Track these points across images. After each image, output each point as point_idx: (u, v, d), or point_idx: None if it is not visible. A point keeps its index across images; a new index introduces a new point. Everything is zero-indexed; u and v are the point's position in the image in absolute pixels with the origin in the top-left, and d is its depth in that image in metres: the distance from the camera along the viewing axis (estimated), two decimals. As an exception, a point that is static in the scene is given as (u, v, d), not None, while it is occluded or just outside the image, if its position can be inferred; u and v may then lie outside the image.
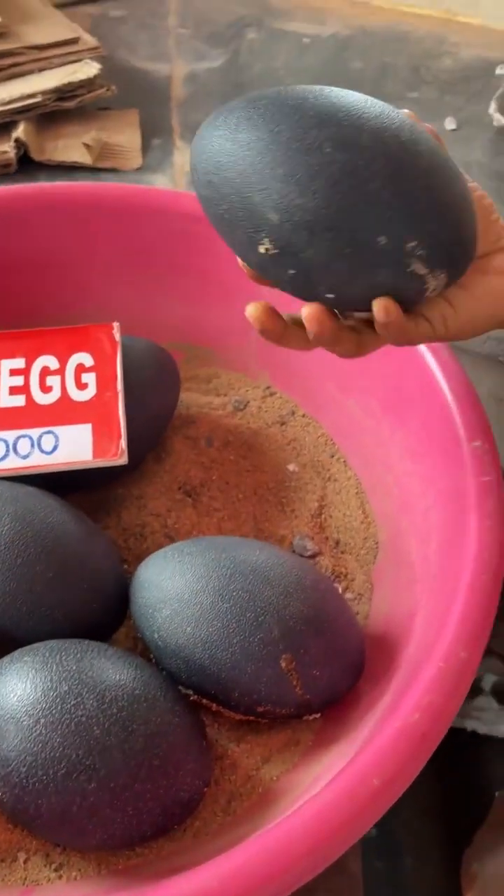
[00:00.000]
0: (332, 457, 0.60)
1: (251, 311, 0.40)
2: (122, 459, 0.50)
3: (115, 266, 0.64)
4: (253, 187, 0.35)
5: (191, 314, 0.65)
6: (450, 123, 0.92)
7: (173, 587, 0.43)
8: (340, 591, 0.53)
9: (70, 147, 0.81)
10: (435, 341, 0.42)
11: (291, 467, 0.60)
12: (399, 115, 0.37)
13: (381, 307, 0.37)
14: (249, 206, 0.36)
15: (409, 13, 1.18)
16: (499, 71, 0.87)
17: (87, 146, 0.79)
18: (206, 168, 0.37)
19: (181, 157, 0.85)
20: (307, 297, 0.38)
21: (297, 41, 1.10)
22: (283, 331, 0.41)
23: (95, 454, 0.50)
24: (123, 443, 0.50)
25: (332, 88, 0.37)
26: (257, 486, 0.59)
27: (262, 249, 0.36)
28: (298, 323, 0.41)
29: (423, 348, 0.52)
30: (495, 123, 0.90)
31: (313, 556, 0.54)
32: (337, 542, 0.55)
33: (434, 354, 0.52)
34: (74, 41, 0.87)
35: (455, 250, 0.37)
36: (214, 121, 0.37)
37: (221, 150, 0.36)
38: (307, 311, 0.38)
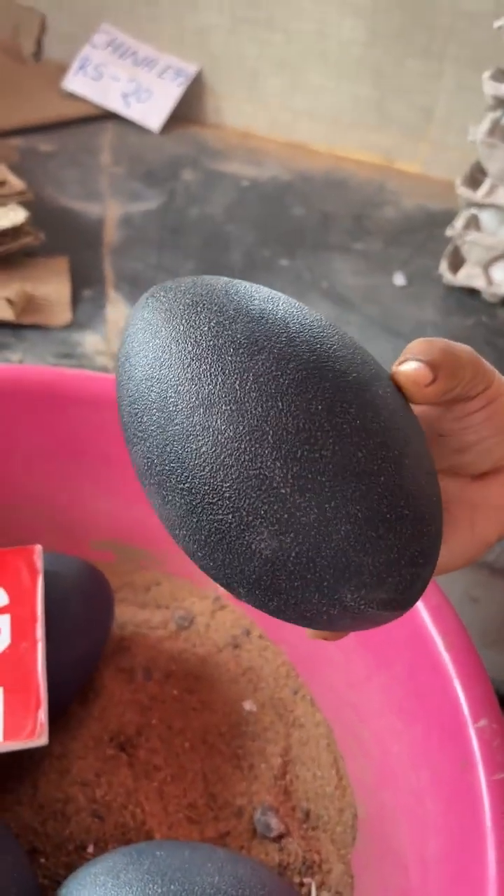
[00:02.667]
0: (296, 693, 0.51)
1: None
2: (41, 740, 0.39)
3: (38, 456, 0.55)
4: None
5: (126, 510, 0.56)
6: (399, 279, 0.88)
7: None
8: (314, 888, 0.42)
9: (-10, 301, 0.72)
10: None
11: (248, 706, 0.50)
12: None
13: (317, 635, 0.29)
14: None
15: (347, 158, 1.17)
16: (449, 232, 0.84)
17: (9, 301, 0.71)
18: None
19: (114, 311, 0.77)
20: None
21: (235, 183, 1.06)
22: None
23: (7, 734, 0.39)
24: (43, 715, 0.40)
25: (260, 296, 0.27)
26: (207, 730, 0.49)
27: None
28: None
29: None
30: (445, 281, 0.86)
31: (279, 839, 0.44)
32: (307, 815, 0.45)
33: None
34: (0, 184, 0.80)
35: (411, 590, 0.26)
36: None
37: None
38: None
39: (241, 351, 0.24)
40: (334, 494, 0.23)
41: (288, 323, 0.25)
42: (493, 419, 0.29)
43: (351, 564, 0.24)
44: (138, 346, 0.26)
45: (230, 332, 0.25)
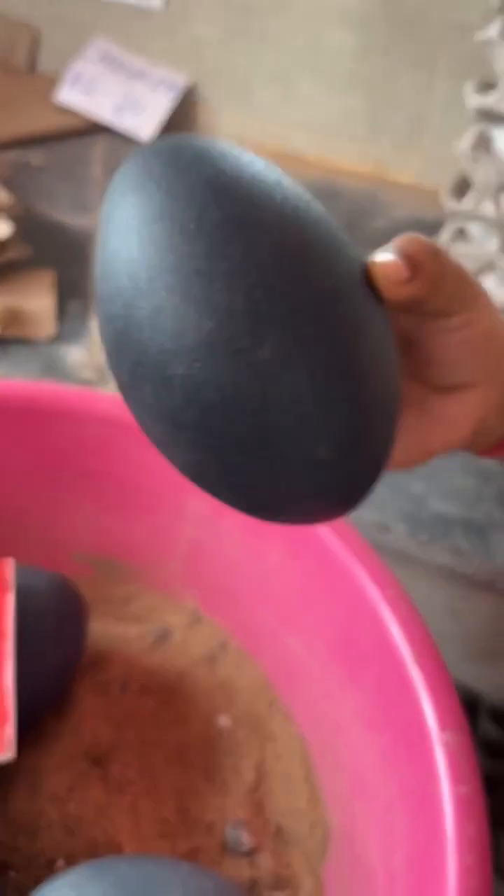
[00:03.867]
0: (271, 706, 0.51)
1: None
2: (9, 754, 0.39)
3: (18, 470, 0.55)
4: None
5: (105, 523, 0.57)
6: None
7: None
8: (284, 903, 0.42)
9: (-25, 314, 0.73)
10: None
11: (222, 720, 0.50)
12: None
13: None
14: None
15: (339, 168, 1.18)
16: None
17: (-6, 314, 0.72)
18: None
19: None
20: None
21: (226, 195, 1.07)
22: None
23: (-27, 749, 0.39)
24: (10, 730, 0.40)
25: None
26: (181, 745, 0.49)
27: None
28: None
29: (373, 591, 0.44)
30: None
31: (250, 853, 0.44)
32: (278, 830, 0.45)
33: (389, 604, 0.44)
34: (-13, 198, 0.81)
35: (330, 500, 0.25)
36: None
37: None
38: None
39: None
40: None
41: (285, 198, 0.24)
42: (469, 342, 0.28)
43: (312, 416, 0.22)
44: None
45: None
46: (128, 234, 0.23)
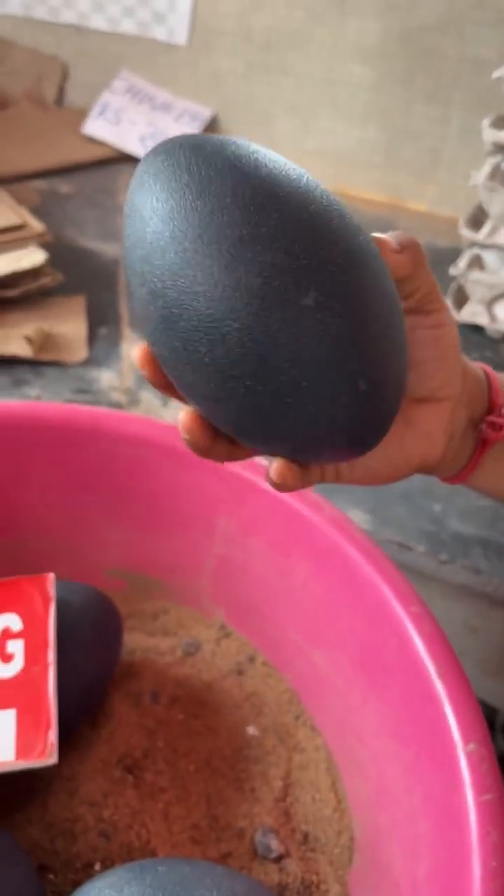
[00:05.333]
0: (298, 719, 0.52)
1: (182, 418, 0.31)
2: (51, 759, 0.42)
3: (53, 489, 0.58)
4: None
5: (137, 540, 0.59)
6: (404, 316, 0.91)
7: None
8: (312, 907, 0.44)
9: (9, 338, 0.76)
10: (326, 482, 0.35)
11: (251, 730, 0.52)
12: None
13: (277, 472, 0.30)
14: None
15: (357, 197, 1.21)
16: (452, 272, 0.87)
17: (28, 339, 0.74)
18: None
19: (129, 348, 0.80)
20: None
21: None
22: (212, 444, 0.32)
23: (19, 753, 0.41)
24: (53, 735, 0.42)
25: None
26: (211, 754, 0.51)
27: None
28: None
29: (397, 607, 0.46)
30: (450, 318, 0.89)
31: (279, 860, 0.46)
32: (305, 837, 0.47)
33: (413, 620, 0.46)
34: (20, 227, 0.84)
35: (372, 429, 0.29)
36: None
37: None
38: (183, 419, 0.30)
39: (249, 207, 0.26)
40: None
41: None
42: (438, 342, 0.33)
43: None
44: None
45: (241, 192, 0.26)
46: (170, 215, 0.27)
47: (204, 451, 0.31)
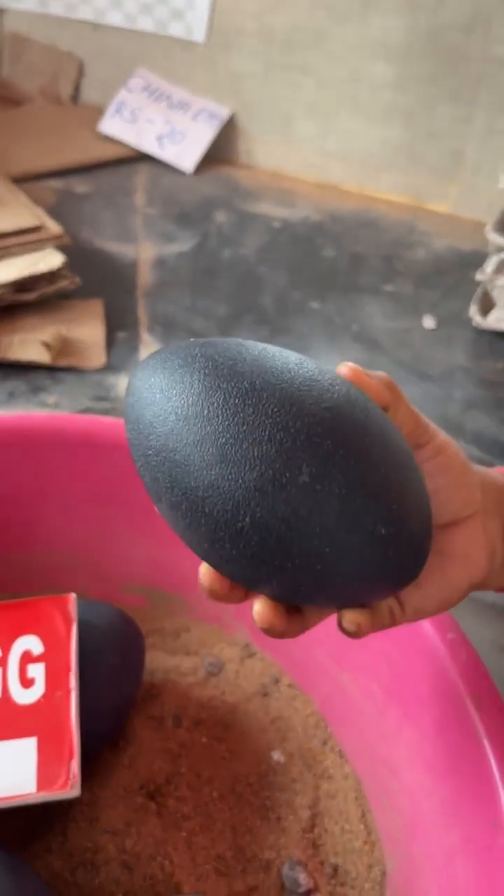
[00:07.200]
0: (325, 744, 0.51)
1: (258, 609, 0.31)
2: (74, 791, 0.40)
3: (73, 503, 0.56)
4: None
5: (159, 555, 0.57)
6: (428, 322, 0.89)
7: None
8: None
9: (27, 343, 0.74)
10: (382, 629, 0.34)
11: (276, 756, 0.50)
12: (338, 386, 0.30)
13: (351, 622, 0.30)
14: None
15: (378, 198, 1.19)
16: (479, 276, 0.85)
17: (45, 345, 0.73)
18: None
19: (148, 353, 0.79)
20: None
21: (266, 224, 1.08)
22: (288, 626, 0.32)
23: (40, 785, 0.40)
24: (76, 766, 0.40)
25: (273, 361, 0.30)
26: (235, 780, 0.49)
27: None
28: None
29: (433, 634, 0.45)
30: (474, 325, 0.87)
31: (307, 894, 0.44)
32: (335, 870, 0.45)
33: (449, 648, 0.44)
34: (37, 229, 0.82)
35: (409, 564, 0.30)
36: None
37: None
38: (258, 609, 0.30)
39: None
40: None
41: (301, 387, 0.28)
42: (447, 470, 0.32)
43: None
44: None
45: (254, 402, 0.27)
46: (163, 426, 0.28)
47: (223, 598, 0.31)
